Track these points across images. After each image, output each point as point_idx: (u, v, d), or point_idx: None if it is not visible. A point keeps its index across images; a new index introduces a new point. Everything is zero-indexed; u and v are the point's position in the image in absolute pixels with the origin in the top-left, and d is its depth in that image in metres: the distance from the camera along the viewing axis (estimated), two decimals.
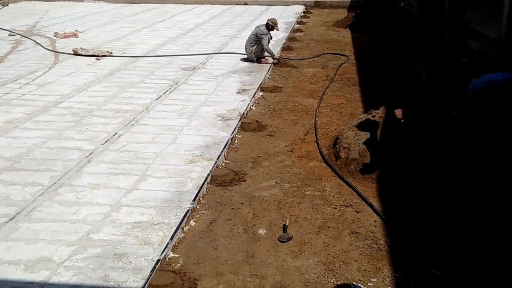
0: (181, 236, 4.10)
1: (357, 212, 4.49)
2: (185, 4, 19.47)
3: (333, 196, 4.80)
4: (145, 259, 3.73)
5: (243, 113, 6.95)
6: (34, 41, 11.80)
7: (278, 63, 9.94)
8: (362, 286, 3.41)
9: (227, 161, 5.58)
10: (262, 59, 10.03)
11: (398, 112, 4.74)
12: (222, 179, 5.04)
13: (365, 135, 5.42)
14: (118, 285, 3.45)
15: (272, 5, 19.43)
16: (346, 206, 4.60)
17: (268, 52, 9.87)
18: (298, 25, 14.99)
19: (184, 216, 4.31)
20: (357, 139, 5.41)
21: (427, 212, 4.44)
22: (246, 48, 10.04)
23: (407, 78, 5.31)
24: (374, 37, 12.69)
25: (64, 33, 12.49)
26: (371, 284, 3.51)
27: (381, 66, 9.72)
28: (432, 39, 9.63)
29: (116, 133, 6.17)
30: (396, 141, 5.27)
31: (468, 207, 4.44)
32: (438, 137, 4.78)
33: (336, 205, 4.61)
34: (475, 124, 3.13)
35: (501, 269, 3.64)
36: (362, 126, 5.47)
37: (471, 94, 2.97)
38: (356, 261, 3.78)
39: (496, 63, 6.73)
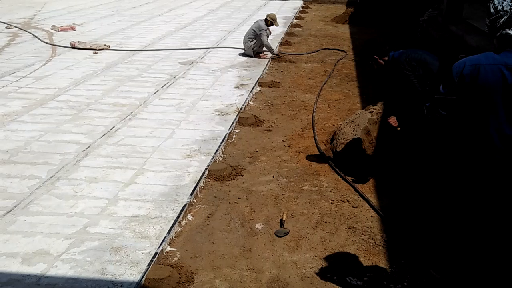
0: (178, 230, 4.11)
1: (354, 207, 4.51)
2: None
3: (330, 191, 4.81)
4: (142, 253, 3.74)
5: (241, 108, 6.95)
6: (32, 34, 11.76)
7: (278, 57, 9.95)
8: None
9: (225, 155, 5.59)
10: (261, 54, 10.03)
11: (393, 120, 4.72)
12: (219, 174, 5.05)
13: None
14: (115, 278, 3.46)
15: (270, 0, 19.38)
16: (343, 201, 4.61)
17: (268, 48, 9.87)
18: (296, 20, 14.98)
19: (182, 210, 4.32)
20: (355, 135, 5.42)
21: (424, 207, 4.47)
22: (244, 43, 10.03)
23: (396, 81, 5.28)
24: (372, 32, 12.68)
25: (62, 26, 12.44)
26: (367, 279, 3.53)
27: (370, 66, 9.71)
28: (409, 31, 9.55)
29: (113, 127, 6.16)
30: (392, 138, 5.28)
31: (464, 201, 4.46)
32: (424, 123, 4.68)
33: (333, 200, 4.63)
34: (463, 106, 3.08)
35: (497, 267, 3.66)
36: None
37: (457, 78, 2.91)
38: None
39: None
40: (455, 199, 4.53)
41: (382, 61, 5.27)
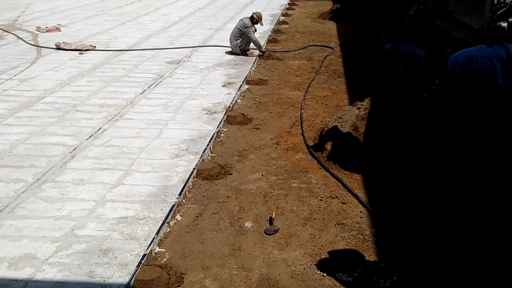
0: (167, 231, 4.09)
1: (343, 204, 4.51)
2: None
3: (319, 188, 4.81)
4: (130, 254, 3.71)
5: (229, 106, 6.93)
6: (16, 35, 11.61)
7: (263, 55, 9.91)
8: None
9: (213, 154, 5.57)
10: (248, 52, 10.00)
11: None
12: (208, 173, 5.03)
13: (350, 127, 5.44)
14: (104, 280, 3.43)
15: None
16: (332, 198, 4.61)
17: (256, 44, 9.83)
18: (283, 17, 14.96)
19: (170, 210, 4.29)
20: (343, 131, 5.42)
21: (413, 202, 4.48)
22: (231, 41, 9.99)
23: (383, 71, 5.30)
24: (359, 29, 12.72)
25: (47, 27, 12.30)
26: (357, 274, 3.53)
27: (366, 57, 9.74)
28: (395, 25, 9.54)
29: (100, 128, 6.11)
30: (381, 132, 5.29)
31: (454, 196, 4.49)
32: (419, 113, 4.69)
33: (322, 197, 4.63)
34: (456, 98, 3.13)
35: (486, 261, 3.69)
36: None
37: (450, 69, 2.96)
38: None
39: None
40: (446, 194, 4.55)
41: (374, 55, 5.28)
